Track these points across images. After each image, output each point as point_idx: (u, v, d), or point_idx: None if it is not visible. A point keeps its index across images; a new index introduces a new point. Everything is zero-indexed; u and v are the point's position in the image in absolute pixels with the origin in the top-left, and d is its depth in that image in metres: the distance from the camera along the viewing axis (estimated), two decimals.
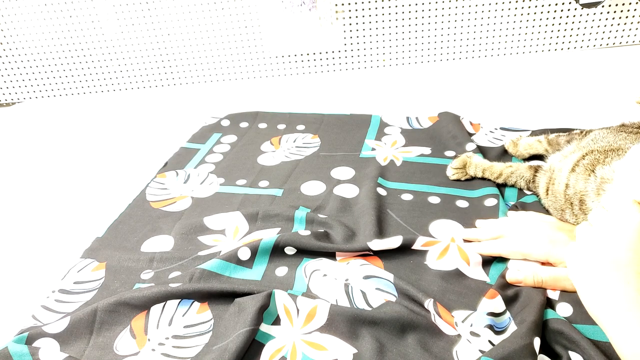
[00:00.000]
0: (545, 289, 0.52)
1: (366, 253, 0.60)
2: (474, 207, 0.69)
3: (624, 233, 0.42)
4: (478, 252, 0.58)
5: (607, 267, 0.42)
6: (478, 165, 0.74)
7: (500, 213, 0.66)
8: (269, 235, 0.62)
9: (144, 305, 0.54)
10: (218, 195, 0.76)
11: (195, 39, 1.26)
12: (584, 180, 0.56)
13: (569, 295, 0.51)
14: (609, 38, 1.27)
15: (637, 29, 1.26)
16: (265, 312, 0.52)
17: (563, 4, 1.23)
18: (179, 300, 0.54)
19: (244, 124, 0.99)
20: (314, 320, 0.51)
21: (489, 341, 0.47)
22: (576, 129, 0.78)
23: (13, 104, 1.31)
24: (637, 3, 1.22)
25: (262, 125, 0.98)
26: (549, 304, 0.51)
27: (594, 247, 0.44)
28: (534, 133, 0.84)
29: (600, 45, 1.28)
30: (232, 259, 0.60)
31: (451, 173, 0.75)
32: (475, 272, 0.57)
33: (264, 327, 0.51)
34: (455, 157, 0.77)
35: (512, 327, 0.48)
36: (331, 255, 0.60)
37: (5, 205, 0.79)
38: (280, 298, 0.53)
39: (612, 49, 1.28)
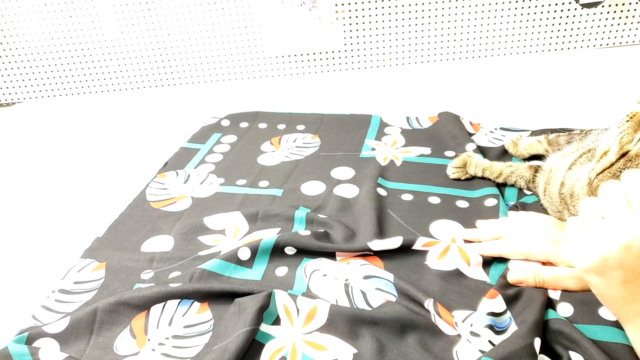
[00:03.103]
0: (546, 289, 0.52)
1: (366, 253, 0.60)
2: (474, 207, 0.68)
3: (618, 241, 0.41)
4: (479, 253, 0.58)
5: (627, 275, 0.41)
6: (478, 164, 0.74)
7: (500, 213, 0.66)
8: (269, 235, 0.62)
9: (144, 305, 0.54)
10: (218, 195, 0.76)
11: (195, 39, 1.26)
12: (578, 174, 0.57)
13: (570, 295, 0.51)
14: (609, 38, 1.27)
15: (637, 29, 1.26)
16: (265, 312, 0.52)
17: (563, 4, 1.23)
18: (179, 300, 0.54)
19: (244, 124, 0.99)
20: (314, 320, 0.51)
21: (489, 341, 0.47)
22: (576, 129, 0.78)
23: (13, 104, 1.31)
24: (637, 3, 1.22)
25: (262, 125, 0.98)
26: (550, 303, 0.51)
27: (595, 257, 0.43)
28: (534, 133, 0.84)
29: (600, 45, 1.28)
30: (232, 259, 0.59)
31: (451, 172, 0.75)
32: (476, 272, 0.57)
33: (264, 327, 0.51)
34: (455, 157, 0.77)
35: (513, 327, 0.48)
36: (331, 255, 0.60)
37: (5, 205, 0.79)
38: (280, 298, 0.53)
39: (612, 49, 1.28)
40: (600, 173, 0.49)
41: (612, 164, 0.47)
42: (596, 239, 0.41)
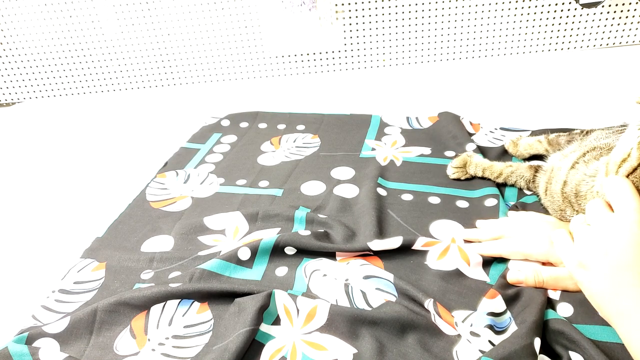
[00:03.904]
0: (546, 289, 0.52)
1: (366, 253, 0.60)
2: (474, 207, 0.69)
3: (624, 233, 0.42)
4: (479, 253, 0.58)
5: (613, 270, 0.42)
6: (478, 164, 0.74)
7: (500, 213, 0.66)
8: (269, 235, 0.62)
9: (144, 305, 0.54)
10: (218, 195, 0.76)
11: (195, 39, 1.26)
12: (583, 173, 0.57)
13: (570, 295, 0.51)
14: (609, 38, 1.27)
15: (637, 29, 1.26)
16: (265, 312, 0.52)
17: (563, 4, 1.23)
18: (179, 300, 0.54)
19: (244, 124, 0.99)
20: (314, 320, 0.51)
21: (489, 341, 0.47)
22: (576, 129, 0.78)
23: (13, 104, 1.31)
24: (637, 3, 1.22)
25: (262, 125, 0.98)
26: (550, 304, 0.51)
27: (596, 248, 0.44)
28: (534, 133, 0.84)
29: (600, 45, 1.28)
30: (232, 259, 0.59)
31: (451, 172, 0.75)
32: (476, 272, 0.57)
33: (264, 327, 0.51)
34: (455, 157, 0.77)
35: (513, 327, 0.48)
36: (331, 255, 0.60)
37: (5, 205, 0.79)
38: (280, 298, 0.53)
39: (612, 49, 1.28)
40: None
41: (635, 169, 0.46)
42: (581, 238, 0.46)
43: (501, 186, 0.73)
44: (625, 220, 0.42)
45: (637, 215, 0.42)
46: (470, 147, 0.81)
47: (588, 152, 0.59)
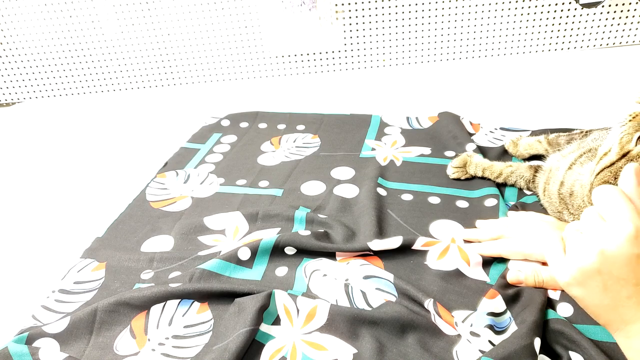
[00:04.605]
0: (546, 289, 0.52)
1: (366, 253, 0.60)
2: (474, 208, 0.69)
3: (617, 245, 0.40)
4: (478, 253, 0.58)
5: (608, 284, 0.40)
6: (478, 164, 0.74)
7: (500, 213, 0.66)
8: (269, 235, 0.62)
9: (144, 305, 0.54)
10: (218, 195, 0.76)
11: (195, 39, 1.26)
12: (578, 173, 0.57)
13: (570, 295, 0.51)
14: (609, 38, 1.27)
15: (637, 29, 1.26)
16: (265, 312, 0.52)
17: (563, 4, 1.23)
18: (179, 300, 0.54)
19: (244, 124, 0.99)
20: (314, 320, 0.51)
21: (489, 341, 0.47)
22: (576, 129, 0.78)
23: (13, 104, 1.31)
24: (637, 3, 1.22)
25: (262, 125, 0.98)
26: (550, 304, 0.51)
27: (589, 263, 0.42)
28: (534, 133, 0.84)
29: (600, 45, 1.28)
30: (232, 259, 0.60)
31: (451, 172, 0.75)
32: (476, 272, 0.57)
33: (264, 327, 0.51)
34: (455, 157, 0.77)
35: (513, 327, 0.48)
36: (331, 255, 0.60)
37: (5, 205, 0.79)
38: (280, 298, 0.53)
39: (612, 49, 1.28)
40: (599, 173, 0.49)
41: (613, 163, 0.46)
42: (574, 252, 0.42)
43: (501, 186, 0.73)
44: (619, 232, 0.40)
45: (631, 225, 0.38)
46: (470, 147, 0.81)
47: (585, 153, 0.60)
